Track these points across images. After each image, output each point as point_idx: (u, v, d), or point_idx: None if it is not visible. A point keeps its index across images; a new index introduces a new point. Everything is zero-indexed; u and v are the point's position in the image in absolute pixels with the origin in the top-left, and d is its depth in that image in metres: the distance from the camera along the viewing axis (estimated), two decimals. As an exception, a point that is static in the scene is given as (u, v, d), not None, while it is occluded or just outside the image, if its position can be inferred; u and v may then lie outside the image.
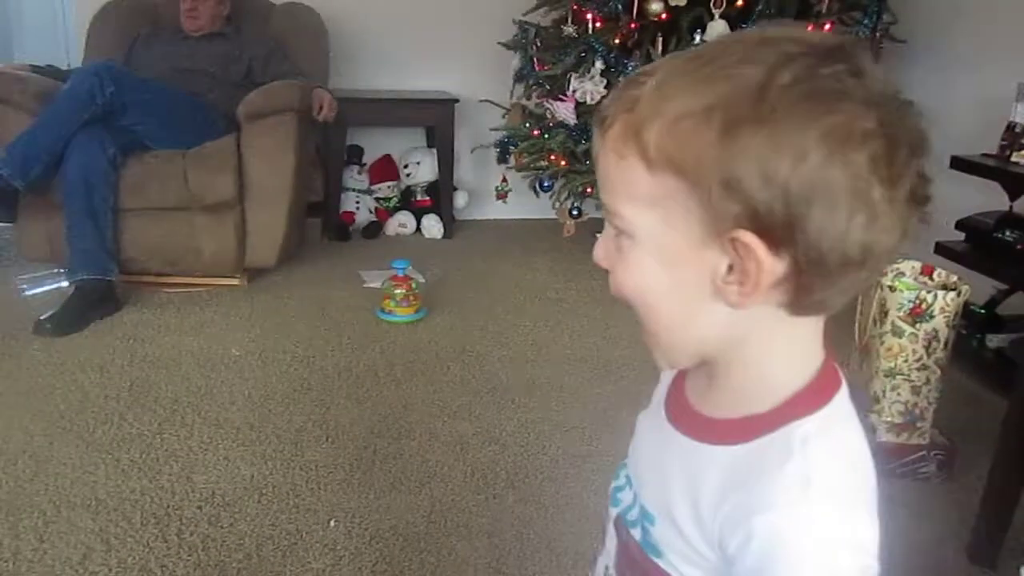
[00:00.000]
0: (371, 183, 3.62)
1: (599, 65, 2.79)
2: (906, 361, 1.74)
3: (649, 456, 0.62)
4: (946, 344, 1.74)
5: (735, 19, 2.70)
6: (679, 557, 0.55)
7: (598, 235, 0.57)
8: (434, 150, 3.56)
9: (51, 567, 1.39)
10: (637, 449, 0.64)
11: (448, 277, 2.98)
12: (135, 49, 2.95)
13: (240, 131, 2.69)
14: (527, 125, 3.10)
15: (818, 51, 0.47)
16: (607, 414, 1.98)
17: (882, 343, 1.75)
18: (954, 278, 1.81)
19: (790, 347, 0.53)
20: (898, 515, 1.64)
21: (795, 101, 0.45)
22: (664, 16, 2.72)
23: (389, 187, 3.63)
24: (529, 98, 3.18)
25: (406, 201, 3.67)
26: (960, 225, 2.36)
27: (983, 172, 2.34)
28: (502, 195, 3.42)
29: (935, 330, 1.72)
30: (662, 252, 0.50)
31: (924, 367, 1.74)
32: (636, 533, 0.59)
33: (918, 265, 1.88)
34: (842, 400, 0.54)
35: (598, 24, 2.81)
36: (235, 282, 2.77)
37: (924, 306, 1.70)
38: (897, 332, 1.73)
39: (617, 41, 2.79)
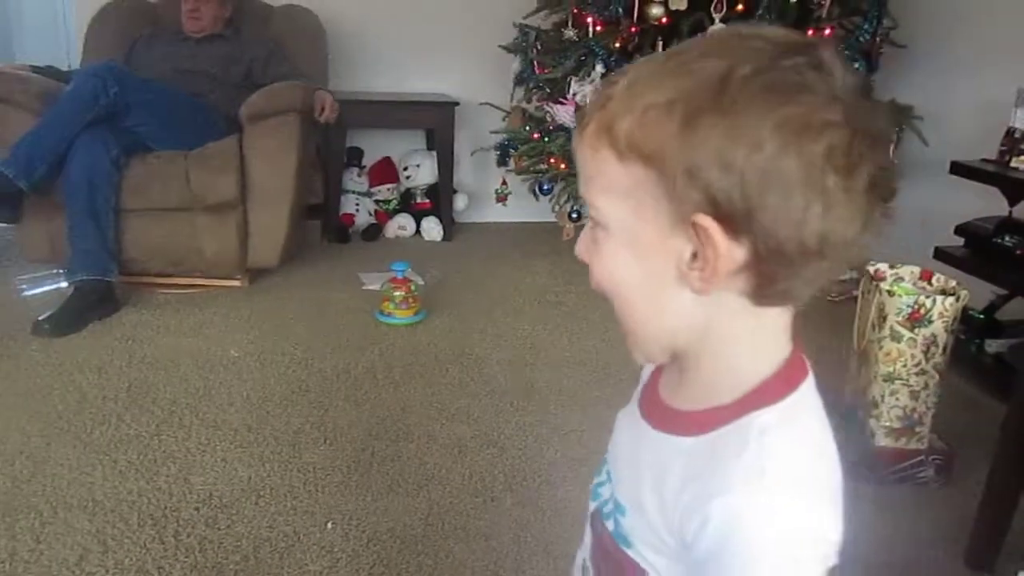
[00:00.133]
0: (371, 185, 3.62)
1: (599, 69, 2.79)
2: (905, 366, 1.74)
3: (625, 451, 0.63)
4: (945, 349, 1.74)
5: (735, 23, 2.70)
6: (646, 546, 0.57)
7: None
8: (434, 153, 3.56)
9: (48, 568, 1.38)
10: (615, 445, 0.66)
11: (447, 280, 2.98)
12: (135, 50, 2.96)
13: (242, 132, 2.69)
14: (527, 128, 3.11)
15: (781, 46, 0.48)
16: (605, 418, 1.97)
17: (881, 348, 1.75)
18: (953, 283, 1.81)
19: (756, 338, 0.54)
20: (896, 519, 1.64)
21: (755, 93, 0.47)
22: (664, 20, 2.73)
23: (389, 189, 3.63)
24: (529, 101, 3.19)
25: (406, 203, 3.67)
26: (959, 230, 2.36)
27: (982, 177, 2.34)
28: (502, 198, 3.42)
29: (934, 335, 1.72)
30: (634, 242, 0.52)
31: (923, 372, 1.74)
32: (609, 525, 0.61)
33: (917, 270, 1.88)
34: (807, 391, 0.55)
35: (599, 28, 2.82)
36: (236, 283, 2.78)
37: (923, 311, 1.70)
38: (896, 337, 1.73)
39: (618, 45, 2.79)
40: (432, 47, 3.61)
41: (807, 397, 0.54)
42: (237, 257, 2.72)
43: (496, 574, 1.44)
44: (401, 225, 3.59)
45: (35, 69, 2.74)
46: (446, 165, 3.50)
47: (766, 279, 0.50)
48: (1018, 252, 2.17)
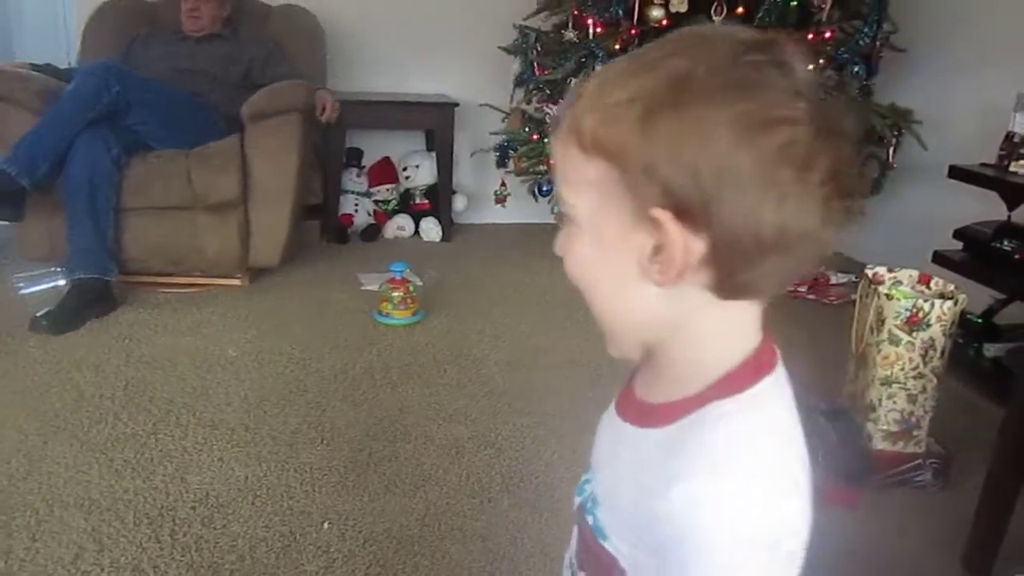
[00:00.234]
0: (370, 186, 3.62)
1: (599, 70, 2.79)
2: (902, 369, 1.74)
3: (605, 451, 0.65)
4: (943, 353, 1.74)
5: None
6: (620, 539, 0.58)
7: None
8: (433, 153, 3.56)
9: (43, 566, 1.38)
10: (596, 446, 0.68)
11: (446, 280, 2.98)
12: (133, 49, 2.95)
13: (242, 131, 2.69)
14: (527, 129, 3.11)
15: (743, 44, 0.49)
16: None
17: (879, 351, 1.75)
18: (951, 287, 1.81)
19: (721, 330, 0.54)
20: (893, 523, 1.64)
21: (712, 90, 0.48)
22: (665, 22, 2.73)
23: (388, 190, 3.63)
24: (529, 103, 3.19)
25: (405, 204, 3.67)
26: (958, 234, 2.37)
27: (981, 182, 2.34)
28: (501, 199, 3.42)
29: (932, 339, 1.72)
30: (600, 238, 0.53)
31: (920, 376, 1.74)
32: (590, 519, 0.62)
33: (915, 274, 1.88)
34: (776, 381, 0.55)
35: (599, 29, 2.82)
36: (237, 282, 2.78)
37: (921, 315, 1.71)
38: (894, 340, 1.73)
39: (618, 47, 2.79)
40: (432, 48, 3.61)
41: (774, 387, 0.55)
42: (238, 256, 2.72)
43: (492, 575, 1.44)
44: (400, 226, 3.59)
45: (34, 67, 2.74)
46: (445, 166, 3.50)
47: (726, 272, 0.50)
48: (1017, 256, 2.17)
